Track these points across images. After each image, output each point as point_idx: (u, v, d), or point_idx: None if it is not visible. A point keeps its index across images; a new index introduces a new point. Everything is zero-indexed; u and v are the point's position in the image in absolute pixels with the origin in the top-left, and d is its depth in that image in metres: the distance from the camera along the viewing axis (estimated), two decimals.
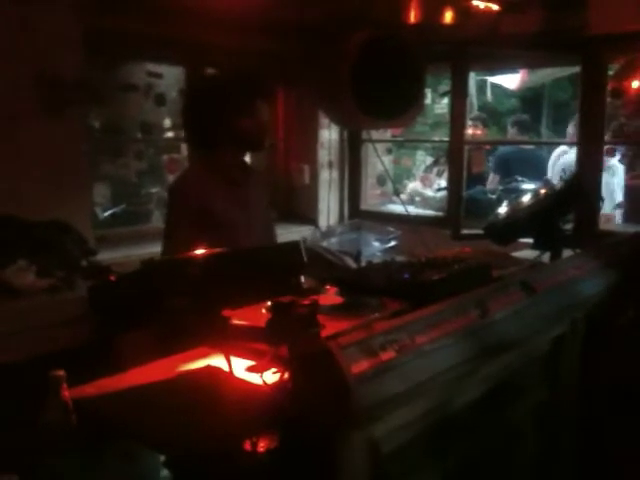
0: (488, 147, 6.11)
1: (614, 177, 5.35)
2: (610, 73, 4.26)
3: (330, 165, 5.06)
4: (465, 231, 4.62)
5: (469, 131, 6.10)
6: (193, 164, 2.88)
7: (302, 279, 1.86)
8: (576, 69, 4.57)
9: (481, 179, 5.71)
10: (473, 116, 6.47)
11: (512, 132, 6.27)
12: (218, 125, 2.60)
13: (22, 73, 3.16)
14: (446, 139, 4.95)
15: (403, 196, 5.41)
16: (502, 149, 5.98)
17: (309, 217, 4.99)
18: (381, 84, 4.12)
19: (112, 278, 1.74)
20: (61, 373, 1.39)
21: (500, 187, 5.39)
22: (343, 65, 4.03)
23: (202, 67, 4.27)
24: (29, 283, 2.73)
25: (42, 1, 3.15)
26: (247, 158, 2.96)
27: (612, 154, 5.03)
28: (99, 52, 3.56)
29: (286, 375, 1.46)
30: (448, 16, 3.15)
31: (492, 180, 5.77)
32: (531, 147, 6.49)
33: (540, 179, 5.65)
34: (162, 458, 1.43)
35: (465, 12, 3.20)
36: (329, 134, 4.99)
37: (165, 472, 1.42)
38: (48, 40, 3.22)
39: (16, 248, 2.81)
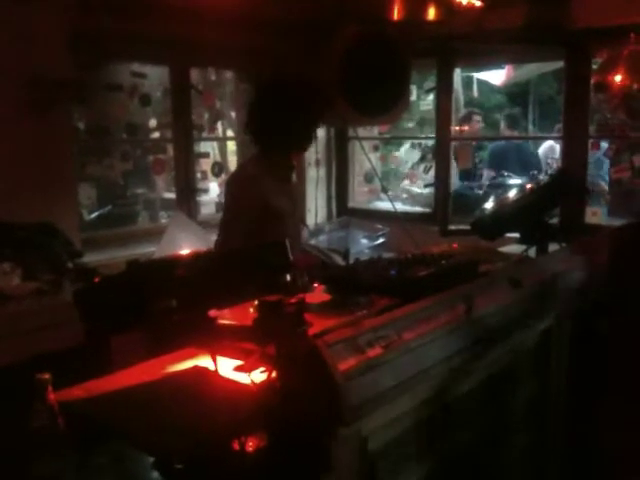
0: (474, 142, 6.12)
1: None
2: (594, 67, 4.28)
3: (317, 163, 5.05)
4: (452, 227, 4.64)
5: (465, 127, 6.17)
6: (249, 161, 3.03)
7: (288, 277, 1.86)
8: (561, 64, 4.59)
9: (471, 175, 5.72)
10: (470, 109, 6.51)
11: (502, 126, 6.32)
12: (302, 128, 2.81)
13: (7, 73, 3.14)
14: (432, 136, 4.96)
15: (391, 192, 5.42)
16: (495, 144, 6.01)
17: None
18: (367, 82, 4.12)
19: (97, 280, 1.73)
20: (47, 376, 1.38)
21: (486, 182, 5.42)
22: (332, 63, 4.03)
23: (186, 67, 4.26)
24: (14, 286, 2.71)
25: (27, 2, 3.12)
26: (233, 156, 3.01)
27: (597, 148, 5.05)
28: (84, 52, 3.54)
29: (274, 374, 1.45)
30: (432, 12, 3.15)
31: (487, 176, 5.79)
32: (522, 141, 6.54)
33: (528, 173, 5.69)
34: (151, 459, 1.42)
35: (449, 8, 3.20)
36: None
37: (154, 473, 1.42)
38: (33, 40, 3.20)
39: (1, 251, 2.79)
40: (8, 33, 3.12)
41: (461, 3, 3.16)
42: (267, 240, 2.19)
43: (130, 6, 3.43)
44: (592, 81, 4.16)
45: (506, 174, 5.41)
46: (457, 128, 5.78)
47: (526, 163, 5.75)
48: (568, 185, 3.19)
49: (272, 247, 1.70)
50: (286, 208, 2.83)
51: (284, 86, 2.83)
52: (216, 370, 1.60)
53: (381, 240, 4.56)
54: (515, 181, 5.22)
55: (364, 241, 4.64)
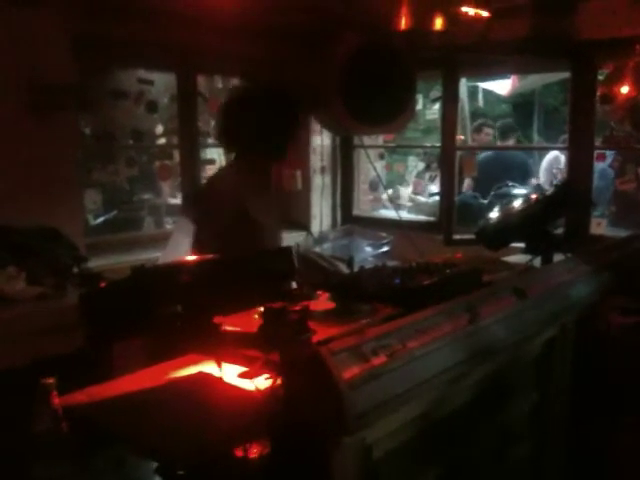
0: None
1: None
2: (600, 78, 4.28)
3: (322, 171, 5.06)
4: (457, 236, 4.63)
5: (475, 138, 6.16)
6: (225, 168, 3.01)
7: (293, 285, 1.86)
8: (566, 75, 4.59)
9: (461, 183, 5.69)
10: (482, 121, 6.51)
11: (497, 137, 6.33)
12: (278, 136, 2.71)
13: (12, 79, 3.15)
14: (438, 145, 4.97)
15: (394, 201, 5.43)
16: (484, 155, 6.01)
17: (302, 223, 4.98)
18: (372, 90, 4.13)
19: (103, 285, 1.74)
20: (51, 381, 1.38)
21: (492, 192, 5.40)
22: (334, 71, 4.04)
23: (193, 73, 4.27)
24: (19, 290, 2.72)
25: (31, 7, 3.14)
26: None
27: (603, 159, 5.05)
28: (90, 58, 3.56)
29: (278, 381, 1.45)
30: (438, 22, 3.16)
31: (467, 187, 5.77)
32: (512, 152, 6.52)
33: (523, 183, 5.68)
34: (153, 465, 1.42)
35: (455, 18, 3.21)
36: (321, 140, 5.00)
37: (156, 479, 1.42)
38: (37, 46, 3.22)
39: (6, 255, 2.79)
40: (13, 38, 3.13)
41: (468, 13, 3.17)
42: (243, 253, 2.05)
43: (136, 13, 3.44)
44: (598, 92, 4.16)
45: (510, 184, 5.40)
46: (461, 137, 5.81)
47: (513, 174, 5.72)
48: (573, 196, 3.19)
49: (277, 254, 1.70)
50: (265, 220, 2.72)
51: (252, 97, 2.77)
52: (221, 376, 1.60)
53: (385, 248, 4.56)
54: (520, 191, 5.21)
55: (368, 249, 4.64)
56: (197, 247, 2.57)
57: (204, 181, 3.72)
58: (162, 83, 4.45)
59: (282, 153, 2.84)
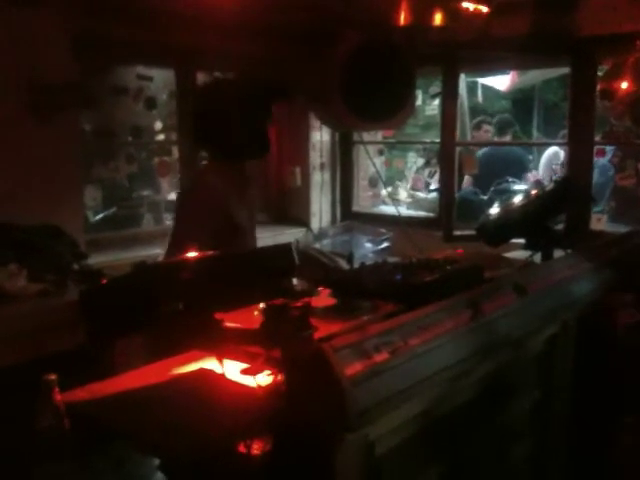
0: (476, 148, 6.11)
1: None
2: (599, 74, 4.28)
3: (322, 167, 5.06)
4: (457, 232, 4.63)
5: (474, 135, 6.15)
6: (204, 169, 2.89)
7: (294, 281, 1.86)
8: (566, 70, 4.59)
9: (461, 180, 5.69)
10: (481, 118, 6.51)
11: (494, 133, 6.32)
12: (242, 132, 2.61)
13: (12, 76, 3.15)
14: (437, 141, 4.96)
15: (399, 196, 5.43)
16: (482, 152, 6.00)
17: (301, 219, 4.98)
18: (372, 86, 4.13)
19: (104, 282, 1.73)
20: (53, 377, 1.38)
21: (492, 188, 5.40)
22: (334, 68, 4.04)
23: (193, 70, 4.26)
24: (20, 287, 2.72)
25: (31, 6, 3.13)
26: None
27: (602, 155, 5.05)
28: (89, 56, 3.55)
29: (280, 377, 1.46)
30: (438, 18, 3.15)
31: (466, 182, 5.77)
32: (510, 147, 6.51)
33: (520, 178, 5.67)
34: (156, 462, 1.42)
35: (455, 14, 3.21)
36: (320, 136, 5.00)
37: (159, 476, 1.42)
38: (37, 45, 3.21)
39: (7, 252, 2.79)
40: (14, 38, 3.13)
41: (468, 9, 3.16)
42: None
43: (135, 12, 3.44)
44: (598, 88, 4.16)
45: (511, 180, 5.40)
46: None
47: (510, 169, 5.71)
48: (573, 191, 3.19)
49: (278, 250, 1.70)
50: (244, 220, 2.65)
51: (219, 93, 2.68)
52: (223, 373, 1.60)
53: (385, 245, 4.56)
54: (520, 187, 5.21)
55: (368, 245, 4.63)
56: (177, 249, 2.45)
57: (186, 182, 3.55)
58: (161, 79, 4.45)
59: (260, 149, 2.74)
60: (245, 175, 2.79)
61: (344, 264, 3.27)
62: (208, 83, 2.91)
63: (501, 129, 6.29)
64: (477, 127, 6.34)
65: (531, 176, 6.07)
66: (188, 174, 4.38)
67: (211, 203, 2.54)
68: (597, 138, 4.42)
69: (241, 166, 2.74)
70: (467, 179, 5.74)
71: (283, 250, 1.70)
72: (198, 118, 2.69)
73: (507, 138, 6.35)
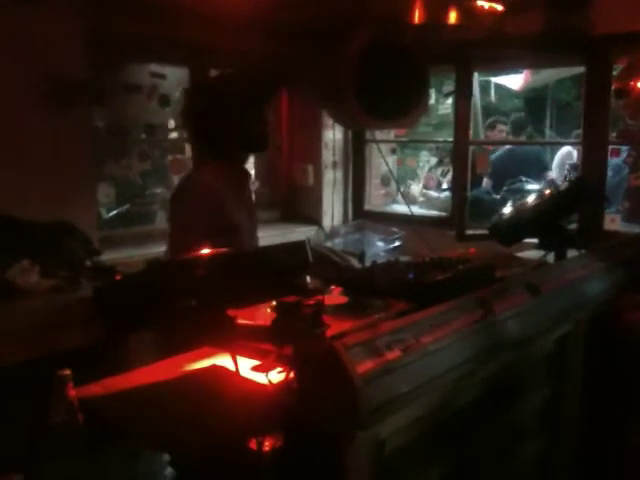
0: (490, 148, 6.10)
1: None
2: (614, 73, 4.25)
3: (334, 165, 5.06)
4: (469, 232, 4.62)
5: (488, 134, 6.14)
6: (200, 167, 2.80)
7: (307, 279, 1.86)
8: (580, 69, 4.56)
9: (480, 179, 5.70)
10: (495, 118, 6.49)
11: (509, 132, 6.30)
12: (230, 128, 2.56)
13: (26, 74, 3.17)
14: (450, 139, 4.95)
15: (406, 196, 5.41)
16: (496, 154, 5.97)
17: (313, 218, 4.99)
18: (385, 85, 4.12)
19: (117, 278, 1.74)
20: (67, 372, 1.39)
21: (504, 188, 5.38)
22: (346, 66, 4.04)
23: (206, 68, 4.27)
24: (33, 283, 2.73)
25: (45, 2, 3.15)
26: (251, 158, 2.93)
27: (617, 154, 5.02)
28: (103, 53, 3.57)
29: (291, 375, 1.46)
30: (452, 16, 3.14)
31: (485, 184, 5.76)
32: (527, 146, 6.49)
33: (538, 177, 5.64)
34: (167, 457, 1.43)
35: (469, 12, 3.19)
36: (333, 134, 5.00)
37: (170, 471, 1.42)
38: (52, 41, 3.23)
39: (20, 248, 2.81)
40: (29, 35, 3.14)
41: (482, 7, 3.15)
42: None
43: (149, 8, 3.45)
44: (612, 87, 4.13)
45: (524, 179, 5.38)
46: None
47: (529, 169, 5.69)
48: (587, 191, 3.17)
49: (293, 248, 1.71)
50: (241, 219, 2.61)
51: (222, 82, 2.66)
52: (236, 370, 1.61)
53: (397, 243, 4.56)
54: (533, 186, 5.19)
55: (380, 244, 4.64)
56: (174, 251, 2.50)
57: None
58: (174, 77, 4.45)
59: (262, 144, 2.70)
60: (244, 174, 2.76)
61: (356, 263, 3.27)
62: (200, 80, 2.87)
63: (517, 128, 6.26)
64: (491, 127, 6.31)
65: (550, 175, 6.04)
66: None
67: (207, 202, 2.49)
68: (611, 137, 4.39)
69: (239, 164, 2.70)
70: (486, 180, 5.73)
71: (297, 247, 1.70)
72: (193, 117, 2.66)
73: (522, 138, 6.32)
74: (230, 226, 2.53)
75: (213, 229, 2.39)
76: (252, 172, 4.47)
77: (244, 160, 2.75)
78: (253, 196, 2.85)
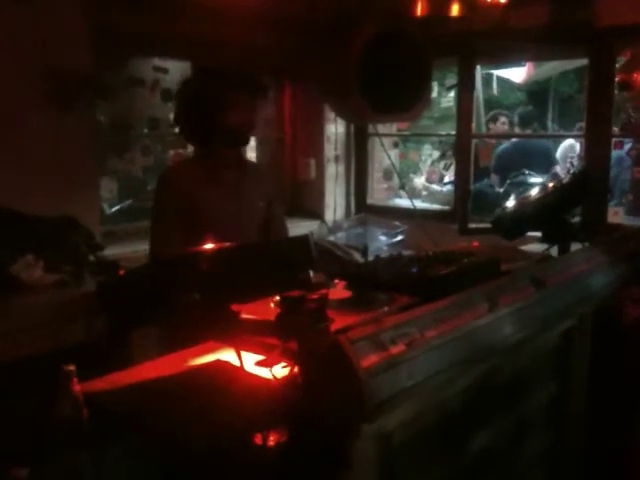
0: (493, 141, 6.08)
1: None
2: (617, 65, 4.24)
3: (336, 159, 5.05)
4: (472, 225, 4.61)
5: (490, 127, 6.12)
6: (186, 157, 2.87)
7: (311, 273, 1.86)
8: (583, 62, 4.55)
9: (488, 173, 5.68)
10: (498, 110, 6.46)
11: (516, 125, 6.27)
12: (200, 120, 2.59)
13: (29, 69, 3.16)
14: (453, 133, 4.94)
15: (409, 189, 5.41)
16: (502, 147, 5.94)
17: (315, 212, 4.98)
18: (388, 78, 4.11)
19: (121, 273, 1.74)
20: (72, 367, 1.39)
21: (507, 181, 5.37)
22: (349, 60, 4.03)
23: (209, 62, 4.26)
24: (37, 278, 2.74)
25: None
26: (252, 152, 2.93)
27: (620, 147, 5.00)
28: (105, 47, 3.56)
29: (296, 369, 1.46)
30: (455, 9, 3.13)
31: (493, 180, 5.75)
32: (534, 140, 6.45)
33: (546, 171, 5.62)
34: (172, 452, 1.43)
35: (472, 5, 3.18)
36: (335, 128, 4.99)
37: (174, 466, 1.42)
38: (55, 36, 3.22)
39: (24, 243, 2.81)
40: (31, 29, 3.14)
41: (485, 0, 3.14)
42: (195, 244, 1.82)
43: (151, 3, 3.44)
44: (616, 79, 4.12)
45: (527, 172, 5.36)
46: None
47: (537, 162, 5.67)
48: (590, 184, 3.16)
49: (296, 242, 1.70)
50: (221, 210, 2.59)
51: (195, 76, 2.77)
52: (241, 364, 1.60)
53: (399, 238, 4.55)
54: (536, 179, 5.18)
55: (382, 238, 4.63)
56: (151, 235, 2.61)
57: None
58: (177, 71, 4.44)
59: (238, 137, 2.67)
60: (238, 164, 2.76)
61: (358, 257, 3.27)
62: (196, 71, 2.89)
63: (524, 122, 6.22)
64: (494, 119, 6.29)
65: (556, 169, 6.03)
66: None
67: (172, 189, 2.58)
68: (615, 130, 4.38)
69: (225, 155, 2.69)
70: (494, 175, 5.72)
71: (301, 242, 1.70)
72: (174, 108, 2.72)
73: (529, 131, 6.30)
74: (206, 214, 2.54)
75: (186, 216, 2.49)
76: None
77: (229, 151, 2.70)
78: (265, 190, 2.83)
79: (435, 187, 5.88)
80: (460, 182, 4.77)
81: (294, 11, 3.80)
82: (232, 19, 3.73)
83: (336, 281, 2.15)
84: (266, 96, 2.93)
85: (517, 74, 7.67)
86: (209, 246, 1.62)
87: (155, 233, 2.60)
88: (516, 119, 6.25)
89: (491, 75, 8.22)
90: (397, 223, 4.64)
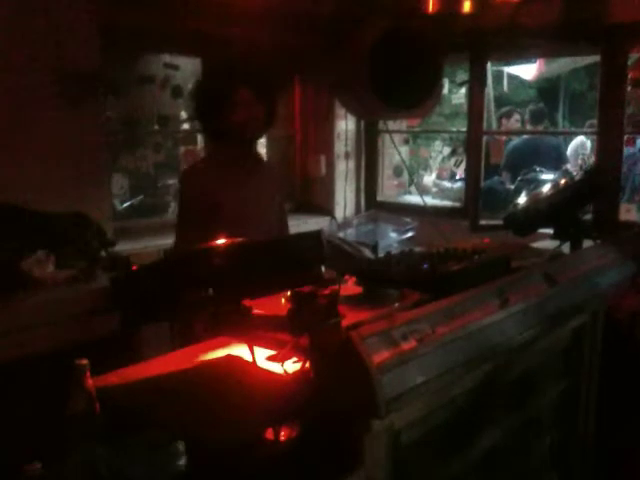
0: (504, 138, 6.06)
1: None
2: (629, 62, 4.21)
3: (347, 156, 5.04)
4: (483, 222, 4.60)
5: (503, 122, 6.10)
6: (204, 160, 2.96)
7: (322, 269, 1.86)
8: (593, 59, 4.52)
9: (498, 170, 5.66)
10: (511, 107, 6.44)
11: (528, 122, 6.24)
12: (212, 118, 2.64)
13: (40, 66, 3.17)
14: (464, 129, 4.92)
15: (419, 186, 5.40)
16: (513, 143, 5.92)
17: (326, 208, 4.97)
18: (399, 75, 4.10)
19: (134, 269, 1.75)
20: (85, 362, 1.40)
21: (518, 178, 5.35)
22: (360, 55, 4.02)
23: (219, 58, 4.26)
24: (48, 274, 2.75)
25: None
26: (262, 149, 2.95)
27: (632, 144, 4.98)
28: (116, 44, 3.57)
29: (307, 364, 1.46)
30: (467, 5, 3.12)
31: (504, 177, 5.73)
32: (545, 136, 6.43)
33: (557, 168, 5.60)
34: (183, 446, 1.43)
35: (484, 1, 3.17)
36: (346, 125, 4.98)
37: (186, 460, 1.43)
38: (65, 33, 3.23)
39: (35, 239, 2.82)
40: (41, 26, 3.15)
41: None
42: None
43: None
44: (628, 76, 4.09)
45: (538, 169, 5.34)
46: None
47: (547, 159, 5.65)
48: (602, 181, 3.14)
49: (308, 238, 1.70)
50: (236, 206, 2.61)
51: (203, 75, 2.83)
52: (252, 359, 1.61)
53: (410, 234, 4.54)
54: (547, 176, 5.15)
55: (393, 235, 4.62)
56: (176, 230, 2.67)
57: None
58: (187, 68, 4.46)
59: (239, 134, 2.65)
60: (250, 161, 2.77)
61: (369, 254, 3.26)
62: (212, 64, 2.92)
63: (536, 118, 6.19)
64: (507, 115, 6.26)
65: (567, 166, 6.00)
66: None
67: (193, 186, 2.64)
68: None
69: (236, 151, 2.69)
70: (505, 173, 5.70)
71: (313, 238, 1.70)
72: (199, 97, 2.71)
73: (540, 128, 6.27)
74: (222, 210, 2.56)
75: (206, 212, 2.53)
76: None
77: (239, 147, 2.71)
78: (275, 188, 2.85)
79: (446, 184, 5.86)
80: (471, 179, 4.76)
81: (305, 7, 3.80)
82: (242, 16, 3.73)
83: (347, 277, 2.15)
84: (279, 93, 2.95)
85: (528, 71, 7.63)
86: (221, 242, 1.63)
87: (177, 231, 2.67)
88: (527, 116, 6.23)
89: (501, 72, 8.19)
90: (407, 220, 4.63)
